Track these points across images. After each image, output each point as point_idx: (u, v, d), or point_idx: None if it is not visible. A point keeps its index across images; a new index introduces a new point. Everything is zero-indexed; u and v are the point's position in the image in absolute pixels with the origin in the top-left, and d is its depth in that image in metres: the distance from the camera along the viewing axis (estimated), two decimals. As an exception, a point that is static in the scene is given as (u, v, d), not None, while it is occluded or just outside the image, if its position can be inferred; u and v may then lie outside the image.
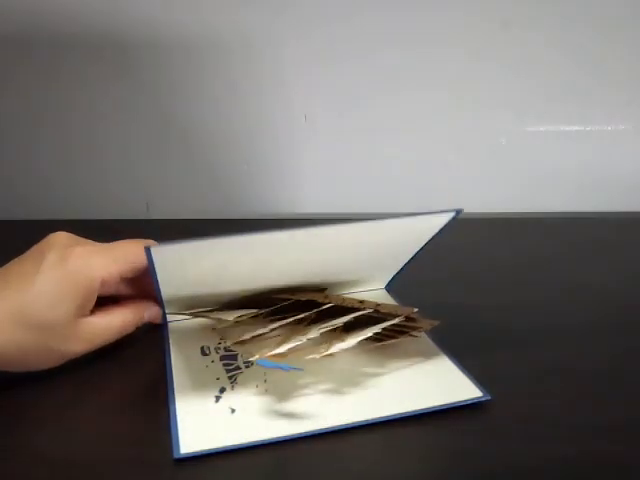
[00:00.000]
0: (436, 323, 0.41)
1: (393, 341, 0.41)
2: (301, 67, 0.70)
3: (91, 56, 0.69)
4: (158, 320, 0.45)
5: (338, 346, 0.38)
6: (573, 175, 0.72)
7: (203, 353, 0.43)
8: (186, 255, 0.39)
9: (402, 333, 0.42)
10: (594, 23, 0.68)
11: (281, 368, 0.37)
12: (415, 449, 0.34)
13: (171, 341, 0.45)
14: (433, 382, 0.39)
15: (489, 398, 0.36)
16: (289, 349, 0.37)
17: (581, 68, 0.69)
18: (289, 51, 0.70)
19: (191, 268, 0.41)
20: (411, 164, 0.73)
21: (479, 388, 0.37)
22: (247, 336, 0.43)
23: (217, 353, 0.43)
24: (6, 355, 0.36)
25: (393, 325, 0.40)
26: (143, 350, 0.45)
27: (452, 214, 0.42)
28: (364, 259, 0.46)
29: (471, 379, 0.38)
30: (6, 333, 0.36)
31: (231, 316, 0.44)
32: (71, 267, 0.37)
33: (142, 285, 0.43)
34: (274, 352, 0.37)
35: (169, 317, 0.47)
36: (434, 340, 0.43)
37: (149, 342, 0.45)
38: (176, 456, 0.33)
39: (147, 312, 0.44)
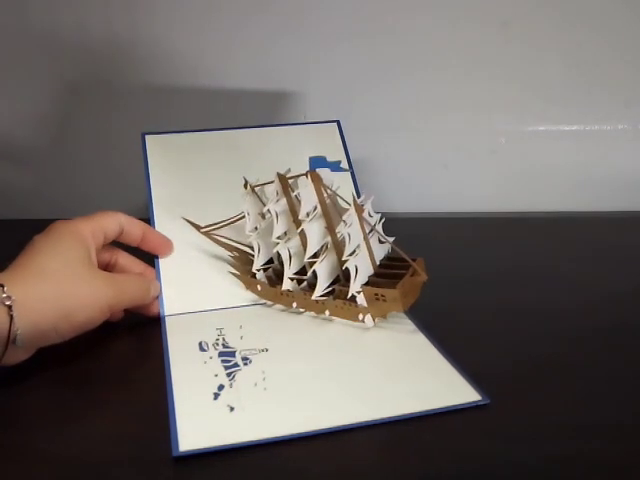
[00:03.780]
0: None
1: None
2: (300, 65, 0.70)
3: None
4: (158, 292, 0.48)
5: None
6: (572, 174, 0.72)
7: (201, 349, 0.43)
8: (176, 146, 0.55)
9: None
10: (593, 23, 0.68)
11: (330, 168, 0.45)
12: (414, 450, 0.33)
13: (169, 336, 0.44)
14: (432, 385, 0.38)
15: (488, 402, 0.36)
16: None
17: (580, 68, 0.69)
18: (287, 50, 0.69)
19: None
20: (411, 164, 0.73)
21: (478, 391, 0.37)
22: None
23: (215, 349, 0.42)
24: (57, 311, 0.38)
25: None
26: (141, 345, 0.44)
27: (334, 124, 0.57)
28: None
29: (470, 382, 0.38)
30: (44, 292, 0.38)
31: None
32: (58, 230, 0.42)
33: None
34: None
35: (167, 311, 0.47)
36: (433, 341, 0.43)
37: (147, 337, 0.45)
38: (175, 454, 0.32)
39: (152, 285, 0.47)
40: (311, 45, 0.69)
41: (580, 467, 0.32)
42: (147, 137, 0.57)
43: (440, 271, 0.45)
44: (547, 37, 0.68)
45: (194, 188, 0.54)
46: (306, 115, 0.72)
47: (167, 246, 0.50)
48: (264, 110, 0.72)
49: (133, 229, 0.47)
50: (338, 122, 0.59)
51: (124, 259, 0.48)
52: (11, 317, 0.35)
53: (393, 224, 0.48)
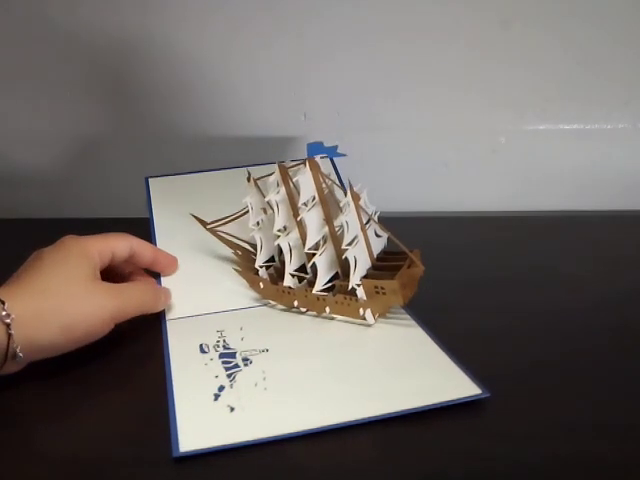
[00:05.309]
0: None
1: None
2: (300, 65, 0.70)
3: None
4: (169, 298, 0.48)
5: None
6: (572, 174, 0.72)
7: (202, 351, 0.43)
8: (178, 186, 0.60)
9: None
10: (593, 22, 0.67)
11: (327, 154, 0.44)
12: (414, 449, 0.34)
13: (170, 339, 0.44)
14: (432, 380, 0.39)
15: (488, 395, 0.36)
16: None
17: (580, 67, 0.69)
18: (287, 49, 0.69)
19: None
20: (411, 163, 0.73)
21: (478, 385, 0.37)
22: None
23: (216, 351, 0.43)
24: (56, 328, 0.38)
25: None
26: (142, 348, 0.45)
27: (326, 159, 0.55)
28: None
29: (470, 377, 0.38)
30: (44, 309, 0.38)
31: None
32: (67, 246, 0.42)
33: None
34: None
35: (168, 315, 0.48)
36: (434, 338, 0.43)
37: (148, 340, 0.45)
38: (175, 455, 0.33)
39: (161, 292, 0.47)
40: (311, 44, 0.69)
41: (580, 467, 0.32)
42: (150, 180, 0.60)
43: (440, 270, 0.45)
44: (547, 36, 0.68)
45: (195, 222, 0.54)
46: (306, 114, 0.72)
47: (174, 265, 0.51)
48: (263, 111, 0.72)
49: (144, 252, 0.48)
50: (331, 158, 0.61)
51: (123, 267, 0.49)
52: (9, 335, 0.35)
53: (393, 223, 0.48)
